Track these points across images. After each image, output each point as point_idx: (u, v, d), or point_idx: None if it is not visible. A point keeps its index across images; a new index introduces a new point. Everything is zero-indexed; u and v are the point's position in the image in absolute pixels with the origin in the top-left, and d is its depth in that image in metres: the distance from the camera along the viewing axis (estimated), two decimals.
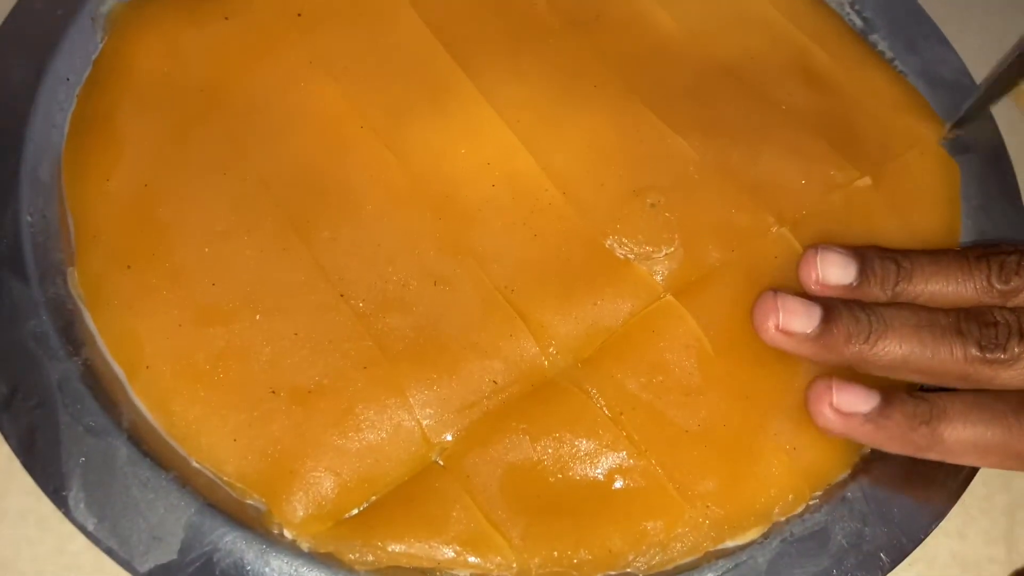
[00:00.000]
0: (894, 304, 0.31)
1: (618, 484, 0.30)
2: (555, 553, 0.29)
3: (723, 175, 0.36)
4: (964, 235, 0.37)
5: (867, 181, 0.36)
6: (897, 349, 0.30)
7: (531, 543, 0.29)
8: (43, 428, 0.29)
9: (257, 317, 0.31)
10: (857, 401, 0.30)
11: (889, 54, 0.41)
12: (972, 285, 0.31)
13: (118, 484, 0.29)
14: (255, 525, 0.29)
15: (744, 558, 0.31)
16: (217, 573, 0.28)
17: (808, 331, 0.31)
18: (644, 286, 0.33)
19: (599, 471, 0.30)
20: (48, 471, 0.29)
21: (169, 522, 0.29)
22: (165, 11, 0.37)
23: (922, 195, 0.37)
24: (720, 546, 0.31)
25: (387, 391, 0.31)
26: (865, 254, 0.32)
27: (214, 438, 0.30)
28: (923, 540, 0.31)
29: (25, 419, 0.30)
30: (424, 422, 0.30)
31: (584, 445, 0.31)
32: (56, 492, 0.29)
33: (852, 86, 0.39)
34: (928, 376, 0.31)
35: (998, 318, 0.30)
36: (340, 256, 0.33)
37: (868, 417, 0.30)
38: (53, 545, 0.30)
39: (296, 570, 0.29)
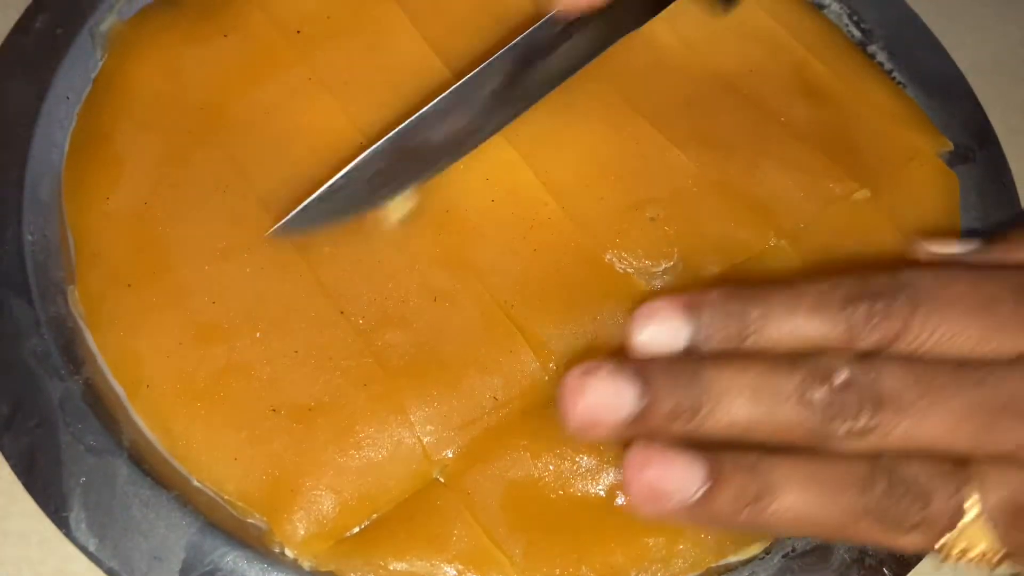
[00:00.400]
0: (734, 360, 0.25)
1: (620, 500, 0.30)
2: (556, 571, 0.29)
3: (722, 188, 0.36)
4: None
5: (866, 193, 0.36)
6: (727, 426, 0.24)
7: (532, 561, 0.29)
8: (44, 448, 0.29)
9: (257, 335, 0.31)
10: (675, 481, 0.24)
11: (888, 65, 0.41)
12: (835, 333, 0.25)
13: (119, 504, 0.29)
14: (256, 544, 0.29)
15: (746, 573, 0.31)
16: None
17: (620, 420, 0.25)
18: (643, 297, 0.33)
19: (601, 487, 0.30)
20: (49, 492, 0.29)
21: (170, 541, 0.29)
22: (164, 29, 0.37)
23: (921, 207, 0.37)
24: (722, 562, 0.31)
25: (387, 408, 0.31)
26: (695, 304, 0.26)
27: (214, 457, 0.30)
28: (927, 552, 0.31)
29: (26, 439, 0.30)
30: (425, 439, 0.30)
31: (585, 461, 0.31)
32: (57, 512, 0.29)
33: (851, 98, 0.39)
34: (770, 441, 0.25)
35: (851, 378, 0.24)
36: (340, 273, 0.33)
37: (685, 503, 0.24)
38: (54, 566, 0.30)
39: None
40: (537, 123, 0.36)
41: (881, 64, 0.41)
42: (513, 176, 0.35)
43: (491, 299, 0.33)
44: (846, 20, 0.43)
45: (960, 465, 0.24)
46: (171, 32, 0.37)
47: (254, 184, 0.34)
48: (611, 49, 0.39)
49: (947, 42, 0.42)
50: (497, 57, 0.31)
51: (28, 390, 0.30)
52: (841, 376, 0.24)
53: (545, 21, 0.32)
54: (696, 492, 0.24)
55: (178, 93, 0.36)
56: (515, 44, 0.31)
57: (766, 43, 0.40)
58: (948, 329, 0.25)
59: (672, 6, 0.39)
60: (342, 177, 0.32)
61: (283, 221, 0.32)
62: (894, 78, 0.41)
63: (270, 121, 0.35)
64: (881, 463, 0.24)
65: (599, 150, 0.36)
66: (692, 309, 0.26)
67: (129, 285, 0.32)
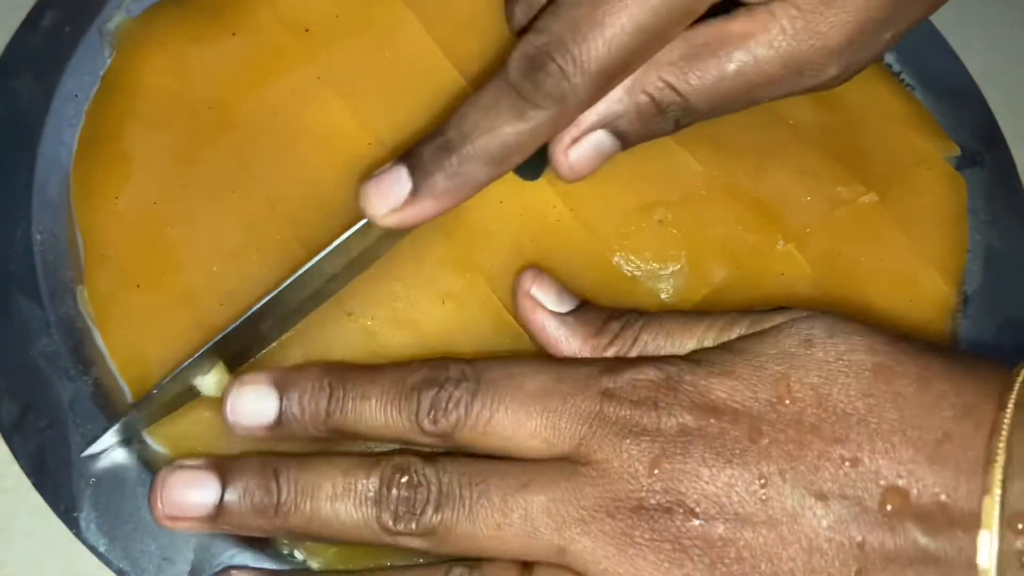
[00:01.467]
0: (315, 461, 0.27)
1: None
2: None
3: (730, 191, 0.36)
4: (972, 250, 0.37)
5: (873, 198, 0.36)
6: (307, 524, 0.26)
7: None
8: (54, 449, 0.30)
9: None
10: None
11: (896, 67, 0.41)
12: (402, 424, 0.27)
13: (128, 505, 0.29)
14: (265, 546, 0.29)
15: None
16: None
17: (204, 513, 0.26)
18: (650, 302, 0.34)
19: None
20: (59, 492, 0.29)
21: (179, 543, 0.29)
22: (172, 27, 0.37)
23: (929, 211, 0.37)
24: None
25: None
26: (288, 382, 0.28)
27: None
28: None
29: (36, 440, 0.30)
30: None
31: None
32: (67, 513, 0.29)
33: (859, 102, 0.39)
34: (345, 539, 0.27)
35: (418, 478, 0.26)
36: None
37: None
38: (63, 566, 0.30)
39: None
40: None
41: (890, 66, 0.41)
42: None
43: (498, 302, 0.33)
44: None
45: (525, 570, 0.26)
46: (179, 30, 0.37)
47: (262, 184, 0.34)
48: None
49: (957, 45, 0.42)
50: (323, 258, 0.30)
51: (38, 391, 0.30)
52: (409, 477, 0.26)
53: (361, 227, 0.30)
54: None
55: (186, 92, 0.36)
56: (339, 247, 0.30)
57: None
58: (506, 423, 0.26)
59: None
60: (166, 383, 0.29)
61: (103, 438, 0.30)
62: (903, 80, 0.41)
63: (278, 121, 0.35)
64: (452, 574, 0.26)
65: None
66: (281, 384, 0.28)
67: (138, 286, 0.32)
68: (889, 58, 0.41)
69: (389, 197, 0.28)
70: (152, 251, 0.32)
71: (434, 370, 0.27)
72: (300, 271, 0.29)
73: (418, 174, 0.28)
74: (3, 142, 0.35)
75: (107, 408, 0.31)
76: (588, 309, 0.30)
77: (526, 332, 0.31)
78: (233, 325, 0.29)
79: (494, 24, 0.38)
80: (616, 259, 0.34)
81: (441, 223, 0.33)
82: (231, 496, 0.26)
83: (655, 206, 0.35)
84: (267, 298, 0.29)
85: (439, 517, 0.26)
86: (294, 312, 0.31)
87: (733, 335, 0.28)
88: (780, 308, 0.28)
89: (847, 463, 0.24)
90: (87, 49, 0.37)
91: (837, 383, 0.25)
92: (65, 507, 0.29)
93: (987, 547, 0.23)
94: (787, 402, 0.25)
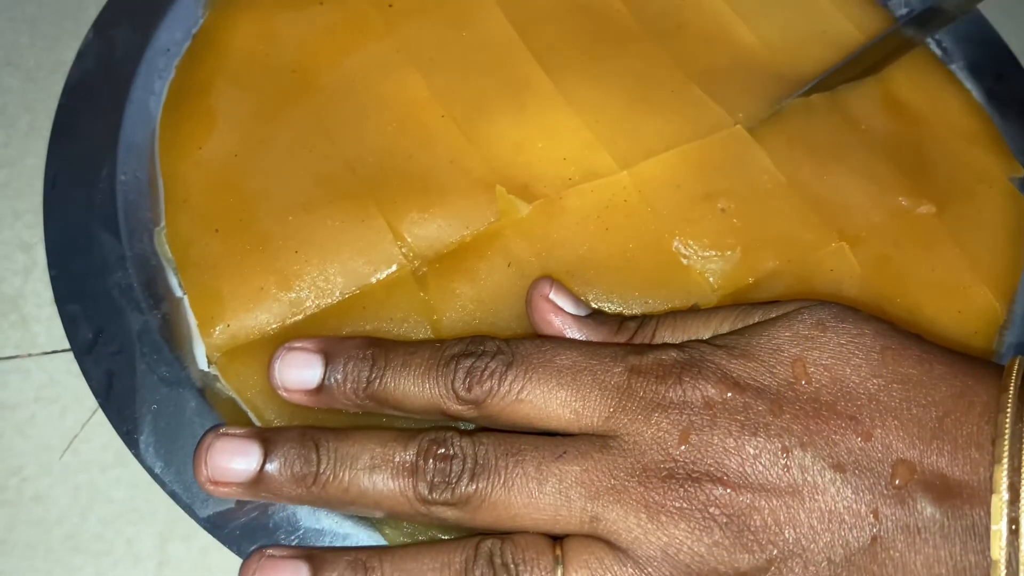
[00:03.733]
0: (354, 433, 0.28)
1: None
2: None
3: (794, 187, 0.36)
4: None
5: (931, 209, 0.37)
6: (344, 493, 0.27)
7: None
8: (120, 374, 0.31)
9: (336, 293, 0.32)
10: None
11: (968, 83, 0.42)
12: (437, 391, 0.28)
13: (185, 432, 0.30)
14: None
15: None
16: (271, 525, 0.29)
17: (245, 480, 0.27)
18: (697, 289, 0.34)
19: None
20: (123, 414, 0.30)
21: None
22: None
23: (986, 228, 0.37)
24: None
25: None
26: (334, 350, 0.29)
27: (271, 401, 0.31)
28: None
29: (105, 364, 0.31)
30: None
31: None
32: (129, 435, 0.30)
33: (930, 114, 0.39)
34: (380, 514, 0.28)
35: (454, 449, 0.27)
36: (415, 227, 0.34)
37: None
38: (122, 481, 0.32)
39: (342, 527, 0.30)
40: (617, 111, 0.37)
41: (962, 82, 0.41)
42: (591, 158, 0.36)
43: (556, 270, 0.33)
44: (927, 39, 0.43)
45: (556, 544, 0.26)
46: None
47: (339, 147, 0.35)
48: (693, 46, 0.40)
49: None
50: None
51: (110, 319, 0.32)
52: (445, 448, 0.27)
53: None
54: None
55: (272, 54, 0.37)
56: None
57: (847, 49, 0.41)
58: (538, 393, 0.27)
59: (755, 13, 0.40)
60: None
61: None
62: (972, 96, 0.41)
63: (357, 88, 0.37)
64: (483, 547, 0.26)
65: (679, 139, 0.36)
66: (327, 351, 0.29)
67: (216, 230, 0.33)
68: (961, 74, 0.42)
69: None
70: (231, 199, 0.34)
71: (472, 344, 0.28)
72: None
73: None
74: (98, 86, 0.36)
75: (171, 341, 0.32)
76: (602, 313, 0.32)
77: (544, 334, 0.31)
78: None
79: (569, 10, 0.39)
80: (676, 244, 0.34)
81: (511, 191, 0.34)
82: (272, 465, 0.27)
83: (720, 195, 0.36)
84: None
85: (474, 486, 0.26)
86: None
87: (748, 322, 0.29)
88: (786, 301, 0.30)
89: (860, 438, 0.26)
90: (182, 7, 0.38)
91: (850, 364, 0.27)
92: (127, 429, 0.30)
93: (1000, 511, 0.24)
94: (803, 382, 0.27)
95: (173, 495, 0.29)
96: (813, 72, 0.39)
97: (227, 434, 0.28)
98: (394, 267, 0.33)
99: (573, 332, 0.30)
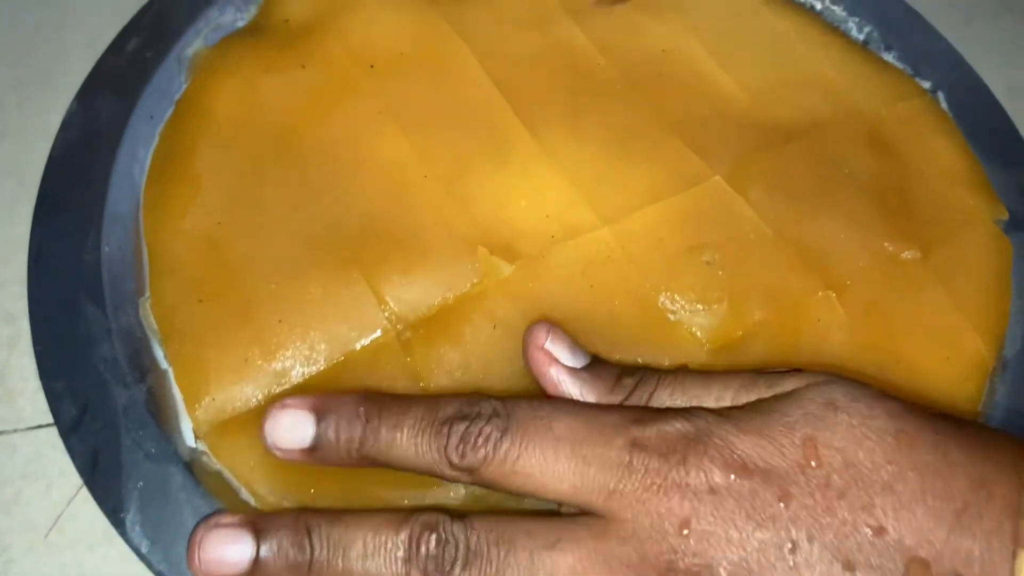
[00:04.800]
0: (346, 517, 0.27)
1: None
2: None
3: (778, 236, 0.36)
4: (1014, 314, 0.37)
5: (916, 254, 0.36)
6: (343, 574, 0.26)
7: None
8: (106, 450, 0.31)
9: (321, 361, 0.32)
10: None
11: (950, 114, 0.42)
12: (431, 456, 0.27)
13: (172, 510, 0.30)
14: None
15: None
16: None
17: (239, 572, 0.27)
18: (685, 344, 0.34)
19: None
20: (109, 492, 0.30)
21: None
22: (246, 57, 0.39)
23: (972, 271, 0.37)
24: None
25: None
26: (326, 408, 0.28)
27: (261, 473, 0.31)
28: None
29: (90, 441, 0.31)
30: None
31: None
32: (114, 513, 0.30)
33: (916, 154, 0.39)
34: None
35: (446, 535, 0.26)
36: (398, 291, 0.34)
37: None
38: (108, 564, 0.31)
39: None
40: (598, 165, 0.37)
41: None
42: (574, 215, 0.36)
43: None
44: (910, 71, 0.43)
45: None
46: (252, 60, 0.39)
47: (323, 209, 0.35)
48: (674, 96, 0.40)
49: (1010, 109, 0.42)
50: None
51: (96, 395, 0.32)
52: (437, 534, 0.26)
53: None
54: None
55: (255, 118, 0.37)
56: None
57: (829, 93, 0.41)
58: (534, 463, 0.26)
59: (734, 57, 0.40)
60: None
61: None
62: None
63: (341, 149, 0.37)
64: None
65: (660, 193, 0.36)
66: (318, 409, 0.28)
67: (200, 300, 0.33)
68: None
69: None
70: (215, 267, 0.34)
71: (466, 405, 0.28)
72: None
73: None
74: (82, 156, 0.36)
75: (157, 416, 0.32)
76: (601, 365, 0.31)
77: (539, 385, 0.31)
78: None
79: (549, 65, 0.39)
80: (662, 299, 0.34)
81: (494, 251, 0.34)
82: (266, 553, 0.27)
83: (704, 247, 0.36)
84: None
85: (467, 575, 0.25)
86: None
87: (751, 396, 0.28)
88: (795, 370, 0.29)
89: (871, 532, 0.24)
90: (165, 74, 0.39)
91: (863, 447, 0.26)
92: (113, 507, 0.30)
93: None
94: (814, 464, 0.25)
95: (159, 575, 0.29)
96: (795, 118, 0.40)
97: (219, 524, 0.27)
98: (378, 332, 0.33)
99: (569, 386, 0.30)
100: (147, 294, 0.34)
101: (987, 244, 0.38)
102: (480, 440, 0.27)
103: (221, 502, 0.30)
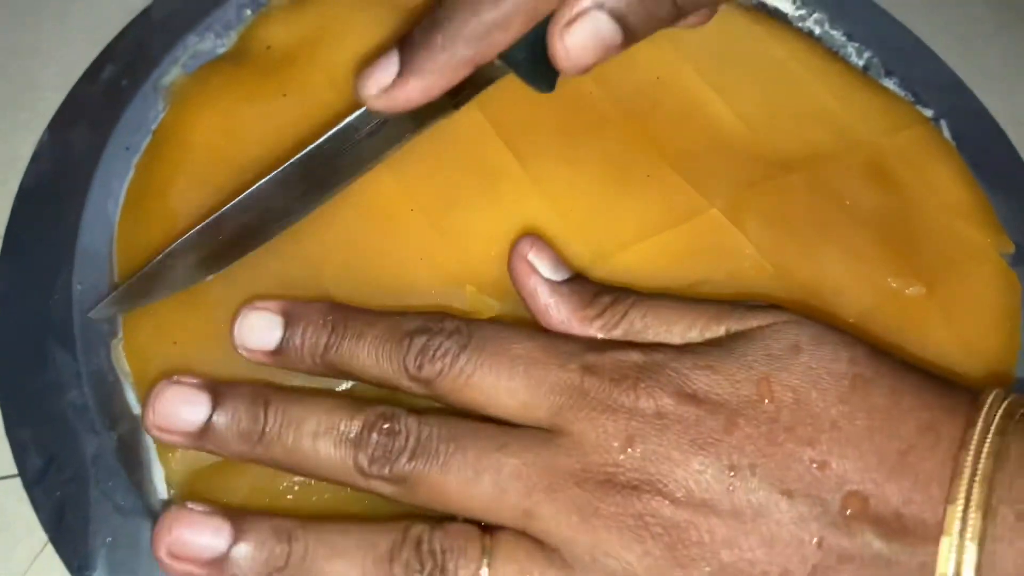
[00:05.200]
0: (305, 397, 0.28)
1: None
2: None
3: (778, 272, 0.35)
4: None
5: (921, 290, 0.35)
6: (287, 455, 0.27)
7: None
8: (73, 504, 0.29)
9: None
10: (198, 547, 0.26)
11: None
12: (389, 365, 0.28)
13: (142, 567, 0.28)
14: None
15: None
16: None
17: (191, 430, 0.27)
18: None
19: None
20: (75, 549, 0.29)
21: None
22: (225, 85, 0.38)
23: (979, 308, 0.36)
24: None
25: None
26: (295, 314, 0.29)
27: None
28: None
29: (57, 493, 0.29)
30: None
31: None
32: (80, 571, 0.28)
33: (917, 186, 0.38)
34: (316, 475, 0.28)
35: (399, 426, 0.27)
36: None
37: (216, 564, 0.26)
38: None
39: None
40: (590, 198, 0.36)
41: None
42: (564, 250, 0.34)
43: None
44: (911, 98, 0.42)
45: (486, 535, 0.26)
46: (232, 89, 0.38)
47: (303, 246, 0.34)
48: (669, 126, 0.38)
49: (1016, 139, 0.41)
50: (309, 151, 0.33)
51: (64, 443, 0.30)
52: (391, 424, 0.26)
53: (361, 114, 0.33)
54: (224, 553, 0.26)
55: (234, 150, 0.36)
56: (330, 136, 0.33)
57: (830, 124, 0.39)
58: (488, 380, 0.27)
59: (730, 85, 0.39)
60: (164, 257, 0.32)
61: (102, 303, 0.32)
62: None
63: None
64: (411, 532, 0.26)
65: (654, 227, 0.35)
66: (288, 313, 0.29)
67: (175, 342, 0.32)
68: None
69: (380, 78, 0.29)
70: (190, 310, 0.32)
71: (430, 320, 0.28)
72: (299, 155, 0.32)
73: (406, 54, 0.29)
74: (54, 190, 0.35)
75: (128, 465, 0.30)
76: (580, 280, 0.31)
77: (518, 296, 0.31)
78: (228, 207, 0.32)
79: (537, 95, 0.38)
80: None
81: (484, 287, 0.33)
82: (219, 418, 0.27)
83: (701, 284, 0.34)
84: (264, 181, 0.32)
85: (412, 466, 0.26)
86: (281, 216, 0.33)
87: (720, 327, 0.28)
88: (770, 305, 0.29)
89: (815, 465, 0.25)
90: (142, 103, 0.37)
91: (816, 388, 0.26)
92: (79, 564, 0.28)
93: (947, 553, 0.24)
94: (766, 401, 0.26)
95: None
96: (794, 149, 0.38)
97: (179, 382, 0.28)
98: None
99: (545, 296, 0.30)
100: (120, 335, 0.33)
101: (994, 280, 0.36)
102: (439, 353, 0.27)
103: None
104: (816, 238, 0.36)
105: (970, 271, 0.36)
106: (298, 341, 0.29)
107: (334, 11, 0.40)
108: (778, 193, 0.37)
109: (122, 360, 0.32)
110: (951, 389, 0.27)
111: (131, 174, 0.36)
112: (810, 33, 0.43)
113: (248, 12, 0.40)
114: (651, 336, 0.29)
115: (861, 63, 0.43)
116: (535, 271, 0.30)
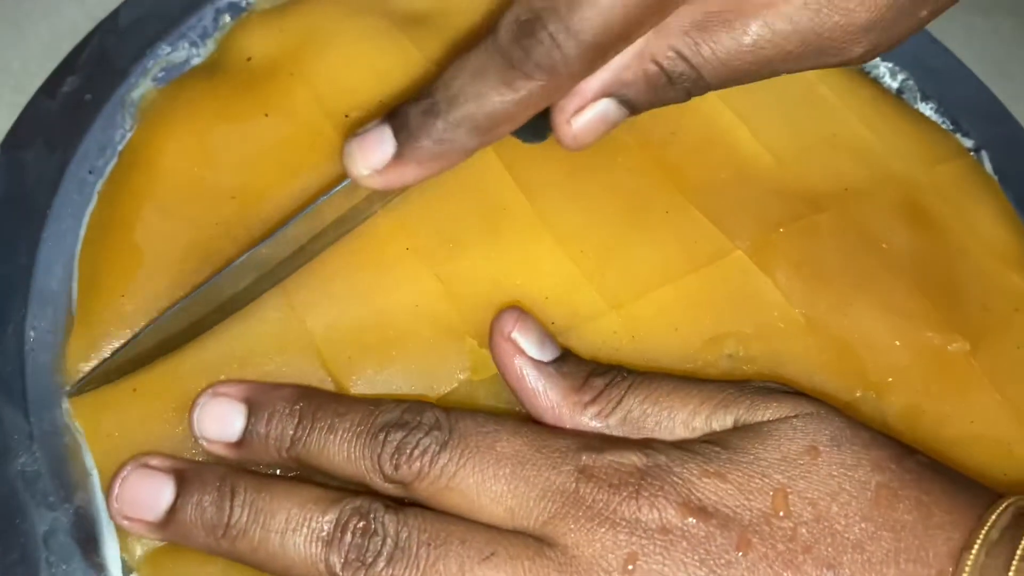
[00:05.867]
0: (275, 486, 0.25)
1: None
2: None
3: (810, 325, 0.32)
4: None
5: (965, 347, 0.32)
6: (252, 552, 0.25)
7: None
8: None
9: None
10: None
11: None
12: (363, 464, 0.25)
13: None
14: None
15: None
16: None
17: (154, 518, 0.25)
18: None
19: None
20: None
21: None
22: (200, 101, 0.34)
23: None
24: None
25: None
26: (259, 401, 0.27)
27: None
28: None
29: None
30: None
31: None
32: None
33: (957, 224, 0.35)
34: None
35: (375, 525, 0.24)
36: (372, 390, 0.29)
37: None
38: None
39: None
40: (603, 238, 0.33)
41: None
42: (576, 297, 0.31)
43: None
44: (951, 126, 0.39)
45: None
46: (207, 106, 0.34)
47: (285, 289, 0.30)
48: (690, 157, 0.35)
49: None
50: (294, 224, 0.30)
51: (12, 519, 0.27)
52: (366, 523, 0.24)
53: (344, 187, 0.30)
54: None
55: (209, 177, 0.32)
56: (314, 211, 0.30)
57: (863, 157, 0.36)
58: (470, 482, 0.25)
59: (757, 114, 0.36)
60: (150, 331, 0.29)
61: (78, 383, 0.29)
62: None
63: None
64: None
65: (674, 271, 0.32)
66: (252, 401, 0.27)
67: (135, 390, 0.29)
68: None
69: (373, 157, 0.27)
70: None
71: (408, 412, 0.26)
72: (277, 233, 0.29)
73: (403, 137, 0.27)
74: (5, 222, 0.31)
75: (85, 544, 0.27)
76: (571, 360, 0.28)
77: (503, 378, 0.28)
78: (204, 286, 0.29)
79: None
80: None
81: (483, 340, 0.30)
82: (183, 506, 0.25)
83: (726, 338, 0.31)
84: (244, 256, 0.29)
85: (389, 572, 0.24)
86: (271, 279, 0.30)
87: (728, 417, 0.26)
88: (783, 389, 0.27)
89: None
90: (107, 121, 0.34)
91: (837, 500, 0.24)
92: None
93: None
94: (782, 514, 0.24)
95: None
96: (824, 183, 0.35)
97: (145, 464, 0.26)
98: None
99: (533, 380, 0.27)
100: (72, 387, 0.29)
101: None
102: (417, 452, 0.25)
103: None
104: (849, 286, 0.33)
105: (1017, 323, 0.33)
106: (263, 431, 0.26)
107: (320, 19, 0.36)
108: (808, 234, 0.34)
109: (78, 417, 0.29)
110: (983, 493, 0.25)
111: (93, 203, 0.33)
112: None
113: (227, 18, 0.37)
114: (651, 424, 0.26)
115: (895, 86, 0.39)
116: (520, 351, 0.28)
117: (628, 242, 0.33)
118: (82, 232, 0.32)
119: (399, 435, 0.25)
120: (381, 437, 0.25)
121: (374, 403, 0.26)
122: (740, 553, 0.23)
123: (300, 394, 0.27)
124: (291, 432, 0.26)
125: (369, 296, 0.31)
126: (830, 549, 0.23)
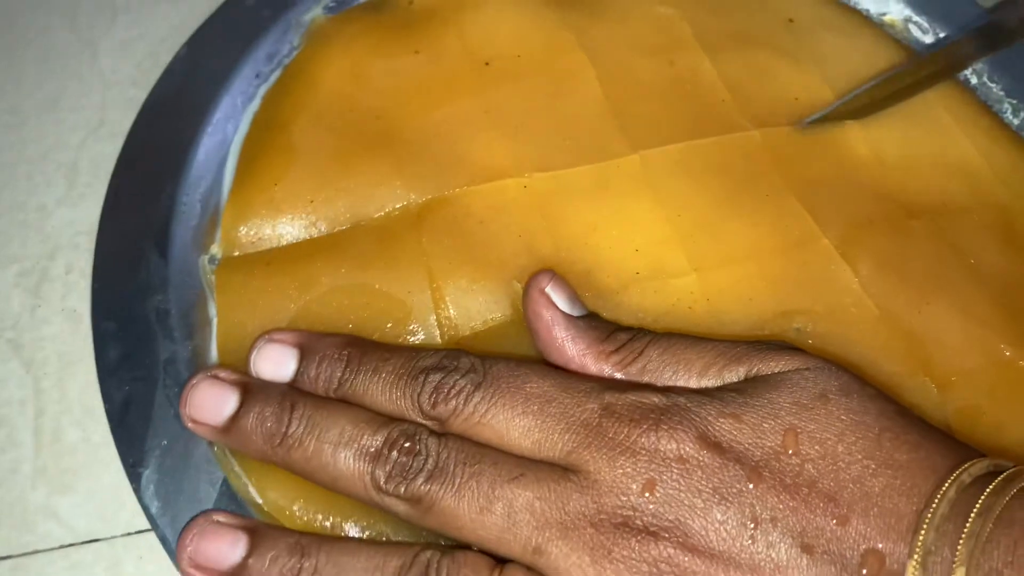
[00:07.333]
0: (331, 405, 0.27)
1: None
2: None
3: (883, 316, 0.33)
4: None
5: None
6: (306, 462, 0.27)
7: None
8: (138, 402, 0.30)
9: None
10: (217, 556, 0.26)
11: None
12: (403, 402, 0.27)
13: (191, 476, 0.29)
14: None
15: None
16: None
17: (218, 423, 0.28)
18: None
19: None
20: (132, 445, 0.29)
21: None
22: (361, 34, 0.38)
23: None
24: None
25: None
26: (310, 347, 0.29)
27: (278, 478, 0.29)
28: None
29: (126, 388, 0.30)
30: None
31: None
32: (133, 467, 0.29)
33: None
34: (332, 487, 0.27)
35: (420, 446, 0.26)
36: (462, 296, 0.32)
37: None
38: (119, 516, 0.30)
39: None
40: (701, 207, 0.35)
41: None
42: (663, 255, 0.33)
43: None
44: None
45: (496, 568, 0.25)
46: (366, 38, 0.38)
47: (409, 205, 0.34)
48: (799, 149, 0.37)
49: None
50: None
51: (141, 343, 0.31)
52: (412, 443, 0.26)
53: None
54: (239, 564, 0.26)
55: (359, 98, 0.36)
56: None
57: (968, 178, 0.37)
58: (501, 418, 0.26)
59: (873, 118, 0.38)
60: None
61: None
62: None
63: (440, 144, 0.35)
64: (420, 557, 0.26)
65: (760, 248, 0.34)
66: (303, 346, 0.29)
67: (268, 264, 0.33)
68: None
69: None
70: (293, 241, 0.33)
71: (446, 358, 0.28)
72: None
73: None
74: (179, 103, 0.36)
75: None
76: (597, 318, 0.30)
77: (531, 330, 0.30)
78: None
79: (670, 92, 0.37)
80: None
81: (573, 277, 0.32)
82: (245, 416, 0.27)
83: (796, 314, 0.33)
84: None
85: (427, 487, 0.26)
86: None
87: (741, 369, 0.28)
88: (789, 346, 0.28)
89: (836, 520, 0.24)
90: (278, 35, 0.38)
91: (843, 441, 0.25)
92: (133, 460, 0.29)
93: None
94: (791, 452, 0.25)
95: (163, 540, 0.28)
96: (924, 196, 0.36)
97: (213, 375, 0.28)
98: (422, 337, 0.32)
99: (561, 330, 0.29)
100: (212, 251, 0.33)
101: None
102: (453, 391, 0.27)
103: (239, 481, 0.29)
104: (930, 288, 0.34)
105: None
106: (313, 373, 0.28)
107: None
108: (897, 235, 0.35)
109: (209, 274, 0.33)
110: (975, 455, 0.26)
111: (256, 102, 0.37)
112: (966, 82, 0.41)
113: None
114: (668, 375, 0.28)
115: (1016, 122, 0.40)
116: (552, 304, 0.30)
117: (724, 216, 0.34)
118: (241, 124, 0.36)
119: (438, 376, 0.27)
120: (421, 379, 0.27)
121: (415, 350, 0.29)
122: (751, 485, 0.25)
123: (349, 341, 0.29)
124: (339, 374, 0.28)
125: (483, 219, 0.34)
126: (832, 483, 0.25)
